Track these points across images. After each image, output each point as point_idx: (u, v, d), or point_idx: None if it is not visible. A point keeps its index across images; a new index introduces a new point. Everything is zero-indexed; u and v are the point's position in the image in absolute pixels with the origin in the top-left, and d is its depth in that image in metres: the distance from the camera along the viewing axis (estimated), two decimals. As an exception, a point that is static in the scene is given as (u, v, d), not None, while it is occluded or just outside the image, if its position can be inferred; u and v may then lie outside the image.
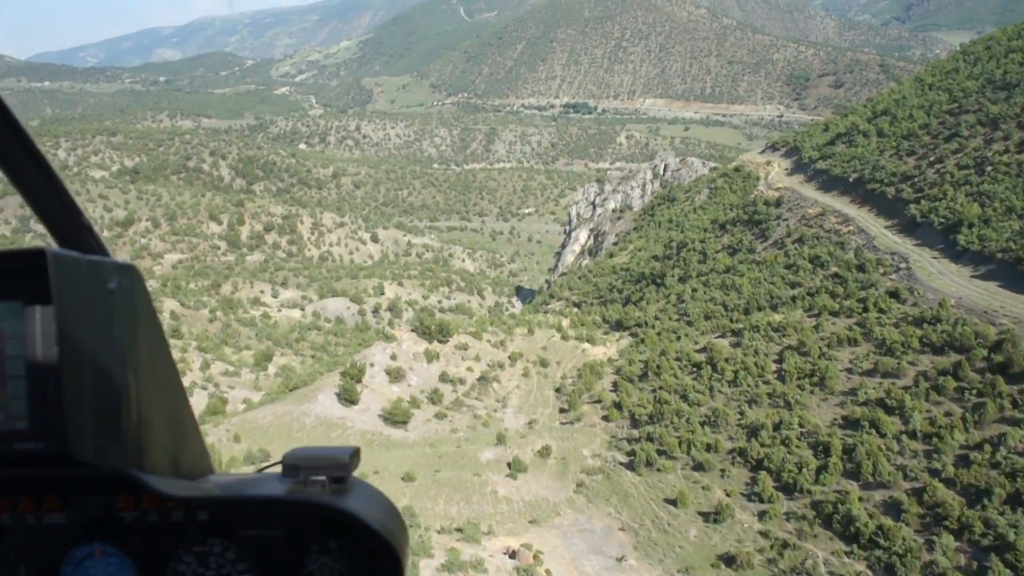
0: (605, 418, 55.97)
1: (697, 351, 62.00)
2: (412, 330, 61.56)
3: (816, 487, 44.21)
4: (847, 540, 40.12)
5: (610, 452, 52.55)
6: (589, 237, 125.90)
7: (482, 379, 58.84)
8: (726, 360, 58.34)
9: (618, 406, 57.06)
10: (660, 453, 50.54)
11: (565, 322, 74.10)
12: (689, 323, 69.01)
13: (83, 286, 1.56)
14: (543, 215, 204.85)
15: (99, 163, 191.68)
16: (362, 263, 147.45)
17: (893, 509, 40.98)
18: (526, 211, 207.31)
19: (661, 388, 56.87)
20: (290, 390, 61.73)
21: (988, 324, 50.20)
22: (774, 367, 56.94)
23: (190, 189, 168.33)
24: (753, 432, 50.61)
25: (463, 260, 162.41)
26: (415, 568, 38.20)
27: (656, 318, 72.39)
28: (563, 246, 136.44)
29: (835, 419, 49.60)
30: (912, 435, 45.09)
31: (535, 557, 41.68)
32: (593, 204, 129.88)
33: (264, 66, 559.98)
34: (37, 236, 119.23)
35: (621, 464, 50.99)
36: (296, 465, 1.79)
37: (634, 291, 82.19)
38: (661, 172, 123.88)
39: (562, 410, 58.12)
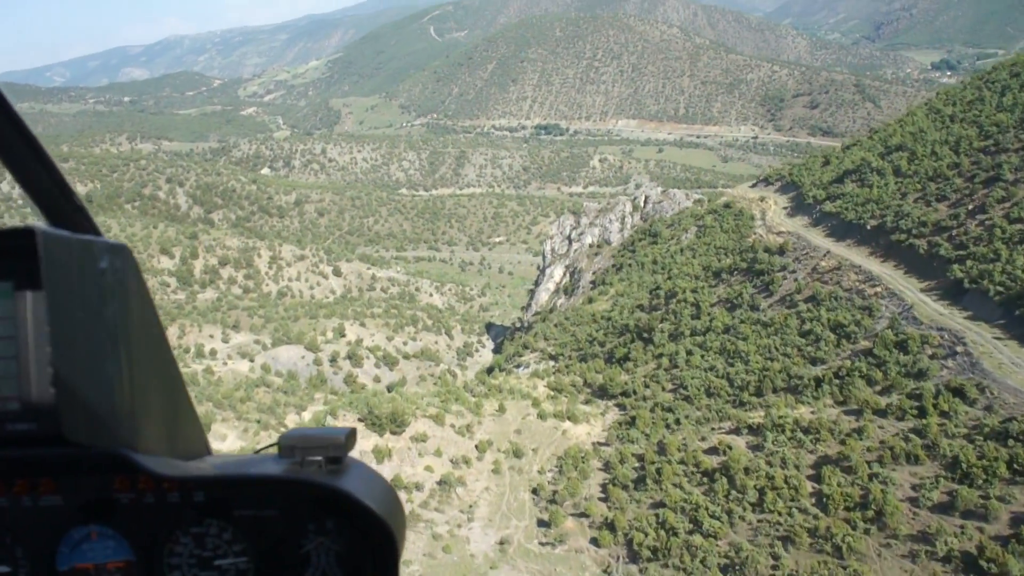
0: (594, 541, 45.93)
1: (706, 451, 51.24)
2: (360, 420, 52.78)
3: None
4: None
5: (604, 597, 41.83)
6: (565, 274, 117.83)
7: (443, 483, 49.35)
8: (745, 471, 46.71)
9: (611, 526, 46.43)
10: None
11: (541, 389, 65.30)
12: (687, 399, 58.97)
13: (74, 265, 1.54)
14: (515, 244, 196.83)
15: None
16: (323, 299, 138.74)
17: None
18: (497, 240, 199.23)
19: (664, 505, 46.85)
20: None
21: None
22: (810, 487, 44.64)
23: (142, 220, 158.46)
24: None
25: (431, 295, 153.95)
26: None
27: (646, 386, 62.99)
28: (536, 283, 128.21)
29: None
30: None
31: None
32: (569, 239, 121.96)
33: (232, 86, 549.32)
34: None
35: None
36: (292, 445, 1.78)
37: (617, 345, 73.35)
38: (642, 204, 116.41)
39: (541, 522, 48.11)
